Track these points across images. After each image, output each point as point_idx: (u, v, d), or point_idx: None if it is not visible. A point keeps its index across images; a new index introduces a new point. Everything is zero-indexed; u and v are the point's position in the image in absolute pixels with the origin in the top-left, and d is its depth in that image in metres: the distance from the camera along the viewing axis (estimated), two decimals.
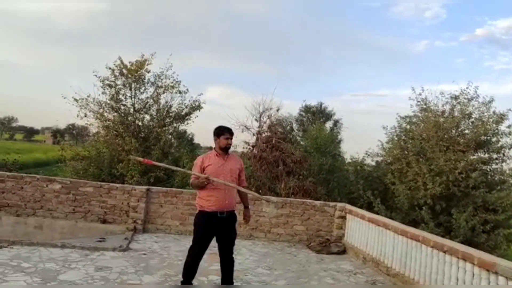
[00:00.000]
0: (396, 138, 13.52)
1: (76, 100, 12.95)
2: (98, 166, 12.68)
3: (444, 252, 4.66)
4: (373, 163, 14.86)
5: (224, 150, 4.33)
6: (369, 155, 14.39)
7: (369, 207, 11.94)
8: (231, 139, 4.38)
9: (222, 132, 4.35)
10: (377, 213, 10.96)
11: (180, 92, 13.75)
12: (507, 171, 12.41)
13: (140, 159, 5.34)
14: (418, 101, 13.07)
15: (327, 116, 27.09)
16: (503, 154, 12.27)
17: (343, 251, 7.17)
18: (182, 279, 4.45)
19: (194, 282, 4.91)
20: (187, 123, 14.39)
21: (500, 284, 3.82)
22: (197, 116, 14.17)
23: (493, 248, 11.27)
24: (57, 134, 71.13)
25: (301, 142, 16.53)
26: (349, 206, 7.75)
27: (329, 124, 25.44)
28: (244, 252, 6.57)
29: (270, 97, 15.15)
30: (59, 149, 14.71)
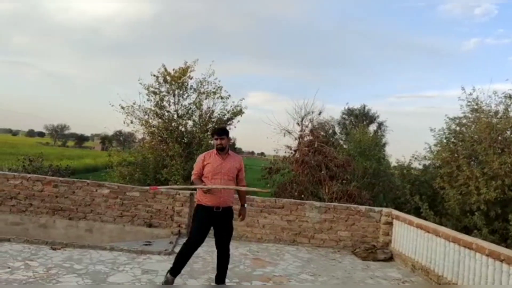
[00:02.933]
0: (445, 141, 12.94)
1: (122, 107, 13.43)
2: (143, 171, 13.05)
3: (501, 261, 4.37)
4: (420, 167, 14.34)
5: (220, 150, 4.55)
6: (416, 158, 13.92)
7: (417, 213, 11.49)
8: (221, 139, 4.56)
9: (212, 134, 4.77)
10: (425, 218, 10.52)
11: (222, 98, 13.92)
12: None
13: (147, 188, 5.66)
14: (469, 102, 12.46)
15: (371, 118, 26.48)
16: None
17: (390, 258, 6.93)
18: (169, 270, 4.57)
19: (243, 282, 4.92)
20: (229, 128, 14.51)
21: None
22: (238, 121, 14.28)
23: None
24: (105, 140, 74.18)
25: (344, 146, 16.26)
26: (395, 212, 7.48)
27: (372, 127, 24.87)
28: (288, 258, 6.50)
29: (311, 100, 14.97)
30: (107, 155, 15.30)
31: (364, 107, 26.67)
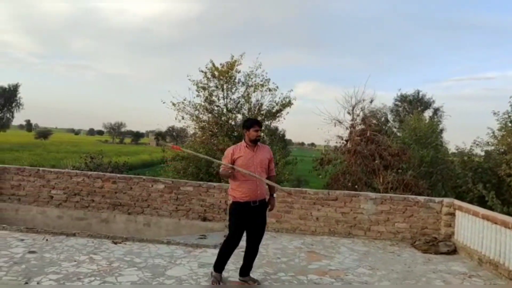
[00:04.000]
0: (510, 125, 12.08)
1: (173, 104, 13.76)
2: (196, 166, 13.32)
3: None
4: (483, 153, 13.50)
5: (254, 142, 4.43)
6: (477, 144, 13.12)
7: (480, 202, 10.83)
8: (261, 130, 4.49)
9: (252, 125, 4.46)
10: (490, 208, 9.89)
11: (270, 90, 13.87)
12: None
13: (169, 144, 5.44)
14: None
15: (426, 104, 25.35)
16: None
17: (453, 251, 6.56)
18: (213, 270, 4.56)
19: (293, 280, 4.86)
20: (278, 120, 14.46)
21: None
22: (287, 112, 14.17)
23: None
24: (159, 136, 76.85)
25: (398, 134, 15.66)
26: (458, 202, 7.06)
27: (428, 113, 23.81)
28: (344, 251, 6.35)
29: (362, 88, 14.50)
30: (161, 150, 15.78)
31: (418, 93, 25.60)
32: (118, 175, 8.28)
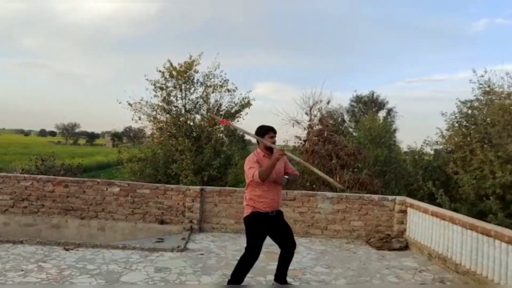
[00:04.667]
0: (457, 125, 12.69)
1: (130, 104, 13.43)
2: (154, 167, 13.06)
3: None
4: (432, 152, 14.12)
5: (270, 149, 4.25)
6: (427, 144, 13.69)
7: (430, 199, 11.33)
8: (275, 137, 4.32)
9: (267, 131, 4.28)
10: (439, 204, 10.36)
11: (228, 91, 13.85)
12: None
13: (218, 118, 5.14)
14: (481, 84, 12.17)
15: (380, 105, 26.18)
16: None
17: (405, 247, 6.82)
18: (230, 278, 4.36)
19: (252, 282, 4.86)
20: (238, 121, 14.46)
21: None
22: (247, 113, 14.21)
23: None
24: (115, 137, 74.66)
25: (354, 134, 16.08)
26: (409, 200, 7.35)
27: (382, 114, 24.59)
28: (302, 250, 6.43)
29: (320, 89, 14.81)
30: (117, 151, 15.36)
31: (372, 94, 26.37)
32: (71, 178, 7.96)
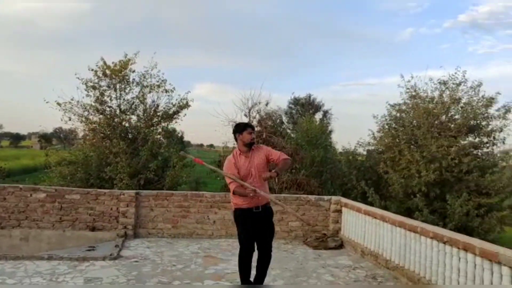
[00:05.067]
0: (386, 127, 13.43)
1: (59, 104, 12.62)
2: (86, 171, 12.37)
3: (444, 243, 4.54)
4: (365, 153, 14.78)
5: (249, 146, 4.27)
6: (360, 145, 14.31)
7: (363, 198, 11.85)
8: (254, 133, 4.33)
9: (244, 127, 4.31)
10: (371, 203, 10.87)
11: (166, 91, 13.49)
12: (498, 154, 12.43)
13: (191, 157, 5.04)
14: (408, 88, 12.99)
15: (316, 107, 26.99)
16: (494, 138, 12.25)
17: (340, 246, 7.04)
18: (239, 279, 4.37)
19: (195, 283, 4.74)
20: (176, 122, 14.14)
21: (503, 273, 3.70)
22: (185, 114, 13.93)
23: (487, 231, 11.26)
24: (43, 139, 70.12)
25: (292, 135, 16.38)
26: (344, 199, 7.61)
27: (318, 116, 25.38)
28: None
29: (258, 91, 14.97)
30: (44, 154, 14.37)
31: (309, 96, 27.13)
32: None
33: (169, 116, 13.80)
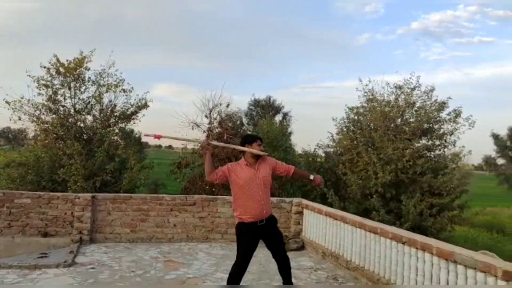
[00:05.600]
0: (345, 129, 13.75)
1: (7, 102, 11.95)
2: (37, 173, 11.79)
3: (403, 243, 4.66)
4: (324, 155, 15.05)
5: (256, 157, 4.21)
6: (320, 146, 14.56)
7: (323, 199, 12.05)
8: (262, 145, 4.33)
9: (255, 139, 4.30)
10: (331, 204, 11.08)
11: (124, 91, 13.12)
12: (449, 156, 13.04)
13: (151, 135, 4.83)
14: (365, 92, 13.38)
15: (276, 109, 27.26)
16: (445, 140, 12.87)
17: (301, 247, 7.09)
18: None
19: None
20: (134, 123, 13.78)
21: (459, 272, 3.84)
22: (143, 115, 13.61)
23: (439, 230, 11.79)
24: None
25: None
26: (305, 201, 7.68)
27: (278, 117, 25.61)
28: (201, 257, 6.29)
29: (219, 92, 14.86)
30: None
31: (269, 98, 27.35)
32: None
33: (127, 117, 13.45)
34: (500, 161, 41.39)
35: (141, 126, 14.04)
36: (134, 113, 13.43)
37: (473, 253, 3.81)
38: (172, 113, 14.43)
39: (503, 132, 39.45)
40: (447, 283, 3.96)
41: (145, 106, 13.45)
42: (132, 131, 18.05)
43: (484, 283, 3.51)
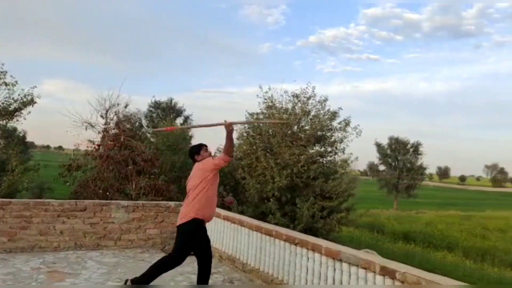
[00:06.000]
0: (245, 134, 14.07)
1: None
2: None
3: (296, 244, 4.90)
4: None
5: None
6: (220, 151, 14.63)
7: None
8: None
9: (200, 147, 4.61)
10: (229, 208, 11.21)
11: (6, 84, 11.79)
12: (339, 162, 14.12)
13: (163, 129, 4.72)
14: (265, 99, 13.87)
15: (178, 112, 26.79)
16: (336, 147, 13.91)
17: None
18: (134, 280, 4.20)
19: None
20: (17, 120, 12.45)
21: (344, 270, 4.16)
22: (29, 112, 12.38)
23: (329, 231, 12.68)
24: None
25: (152, 140, 15.93)
26: None
27: (179, 120, 25.21)
28: (91, 265, 5.88)
29: (117, 92, 14.16)
30: None
31: (171, 100, 26.77)
32: None
33: (9, 113, 12.12)
34: (382, 167, 46.19)
35: (26, 124, 12.78)
36: (18, 109, 12.17)
37: (357, 252, 4.17)
38: (63, 111, 13.32)
39: (384, 141, 44.14)
40: (333, 281, 4.26)
41: (32, 102, 12.27)
42: (15, 129, 16.30)
43: (364, 278, 3.85)
